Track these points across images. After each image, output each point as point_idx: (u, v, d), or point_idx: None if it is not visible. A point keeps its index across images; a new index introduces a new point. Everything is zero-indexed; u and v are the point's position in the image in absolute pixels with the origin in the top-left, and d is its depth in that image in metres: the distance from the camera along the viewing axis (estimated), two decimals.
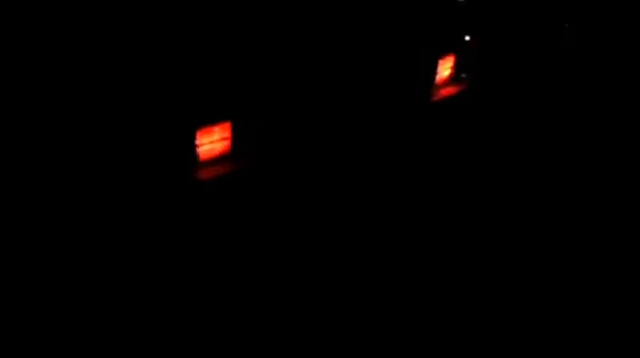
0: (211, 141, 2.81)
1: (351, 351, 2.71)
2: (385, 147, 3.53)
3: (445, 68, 3.76)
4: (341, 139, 3.29)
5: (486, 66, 3.91)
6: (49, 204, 2.42)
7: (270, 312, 2.77)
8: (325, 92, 3.09)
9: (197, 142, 2.74)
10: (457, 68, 3.81)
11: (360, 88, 3.27)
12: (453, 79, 3.84)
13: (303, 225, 3.13)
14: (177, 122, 2.59)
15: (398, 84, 3.45)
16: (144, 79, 2.44)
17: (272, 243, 3.05)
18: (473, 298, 2.91)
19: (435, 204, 3.50)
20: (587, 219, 3.41)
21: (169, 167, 2.68)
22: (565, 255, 3.15)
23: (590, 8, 4.11)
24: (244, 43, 2.67)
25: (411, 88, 3.51)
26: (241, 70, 2.71)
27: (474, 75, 3.86)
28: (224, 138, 2.82)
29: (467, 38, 3.67)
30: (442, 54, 3.66)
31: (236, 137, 2.83)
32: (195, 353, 2.56)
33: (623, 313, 2.92)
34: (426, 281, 2.96)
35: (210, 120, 2.69)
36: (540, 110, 4.19)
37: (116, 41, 2.30)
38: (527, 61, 4.07)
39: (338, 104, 3.20)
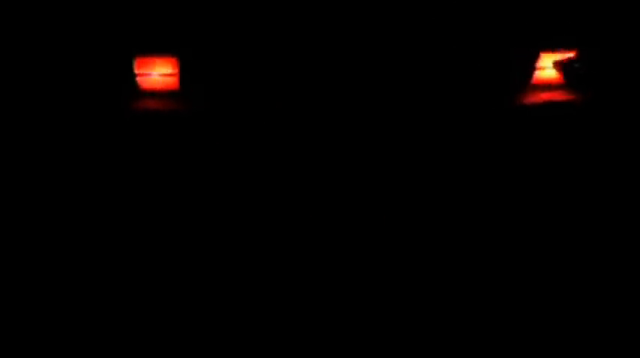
0: (159, 74, 2.68)
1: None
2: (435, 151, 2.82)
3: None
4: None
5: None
6: None
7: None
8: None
9: (137, 71, 2.63)
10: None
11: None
12: (568, 82, 2.82)
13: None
14: (108, 43, 2.49)
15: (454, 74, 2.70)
16: None
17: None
18: None
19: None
20: None
21: (101, 91, 2.60)
22: None
23: None
24: None
25: (478, 83, 2.73)
26: None
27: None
28: (170, 74, 2.68)
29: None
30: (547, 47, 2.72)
31: (184, 74, 2.67)
32: None
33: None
34: None
35: (149, 49, 2.57)
36: None
37: None
38: None
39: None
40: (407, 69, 2.70)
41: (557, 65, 2.77)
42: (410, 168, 2.78)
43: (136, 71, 2.63)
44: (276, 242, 2.74)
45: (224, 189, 2.79)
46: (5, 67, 2.57)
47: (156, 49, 2.57)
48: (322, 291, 2.65)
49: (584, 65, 2.71)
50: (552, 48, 2.71)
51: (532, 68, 2.74)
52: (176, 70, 2.65)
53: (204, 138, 2.73)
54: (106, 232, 2.71)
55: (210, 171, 2.77)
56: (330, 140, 2.74)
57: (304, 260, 2.72)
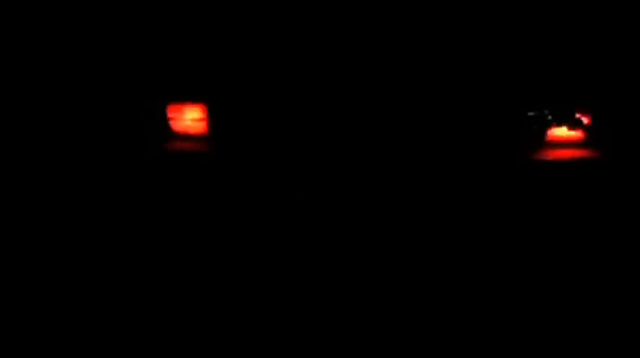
0: (190, 119, 2.94)
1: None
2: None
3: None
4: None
5: None
6: None
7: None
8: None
9: (170, 116, 2.90)
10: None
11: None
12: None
13: None
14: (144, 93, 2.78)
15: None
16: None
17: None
18: None
19: None
20: None
21: (140, 133, 2.89)
22: None
23: None
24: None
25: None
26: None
27: None
28: (200, 119, 2.92)
29: None
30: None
31: (212, 120, 2.91)
32: None
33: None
34: None
35: (181, 97, 2.82)
36: None
37: None
38: None
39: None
40: (422, 128, 2.81)
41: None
42: (420, 220, 2.87)
43: (170, 115, 2.90)
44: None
45: (243, 219, 3.02)
46: (62, 112, 2.93)
47: (186, 97, 2.84)
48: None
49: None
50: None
51: (544, 125, 2.77)
52: (205, 116, 2.90)
53: (229, 177, 2.96)
54: (138, 253, 3.00)
55: (233, 205, 2.99)
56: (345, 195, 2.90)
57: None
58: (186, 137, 2.96)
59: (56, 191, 2.94)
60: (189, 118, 2.91)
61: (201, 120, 2.92)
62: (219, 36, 2.75)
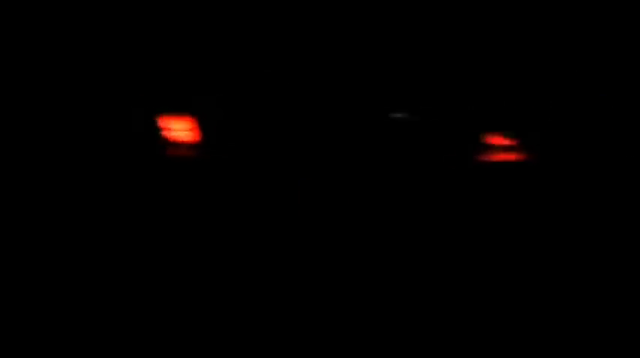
0: (182, 129, 3.42)
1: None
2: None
3: None
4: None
5: None
6: None
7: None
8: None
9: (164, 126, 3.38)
10: None
11: None
12: None
13: None
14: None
15: None
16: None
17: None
18: None
19: None
20: None
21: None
22: None
23: None
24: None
25: None
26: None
27: None
28: (190, 129, 3.41)
29: None
30: None
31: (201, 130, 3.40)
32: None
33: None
34: None
35: (171, 109, 3.33)
36: None
37: None
38: None
39: None
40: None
41: None
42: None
43: (162, 126, 3.38)
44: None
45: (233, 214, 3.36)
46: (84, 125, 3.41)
47: (178, 110, 3.33)
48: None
49: None
50: None
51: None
52: (196, 126, 3.39)
53: (218, 179, 3.40)
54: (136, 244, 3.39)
55: (221, 203, 3.40)
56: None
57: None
58: (178, 145, 3.45)
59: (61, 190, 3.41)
60: (179, 128, 3.41)
61: (189, 129, 3.41)
62: (204, 52, 3.26)
